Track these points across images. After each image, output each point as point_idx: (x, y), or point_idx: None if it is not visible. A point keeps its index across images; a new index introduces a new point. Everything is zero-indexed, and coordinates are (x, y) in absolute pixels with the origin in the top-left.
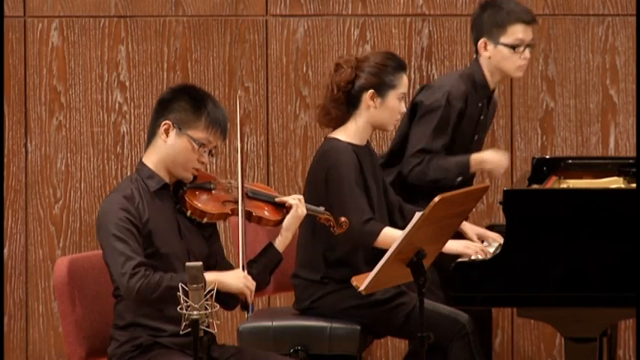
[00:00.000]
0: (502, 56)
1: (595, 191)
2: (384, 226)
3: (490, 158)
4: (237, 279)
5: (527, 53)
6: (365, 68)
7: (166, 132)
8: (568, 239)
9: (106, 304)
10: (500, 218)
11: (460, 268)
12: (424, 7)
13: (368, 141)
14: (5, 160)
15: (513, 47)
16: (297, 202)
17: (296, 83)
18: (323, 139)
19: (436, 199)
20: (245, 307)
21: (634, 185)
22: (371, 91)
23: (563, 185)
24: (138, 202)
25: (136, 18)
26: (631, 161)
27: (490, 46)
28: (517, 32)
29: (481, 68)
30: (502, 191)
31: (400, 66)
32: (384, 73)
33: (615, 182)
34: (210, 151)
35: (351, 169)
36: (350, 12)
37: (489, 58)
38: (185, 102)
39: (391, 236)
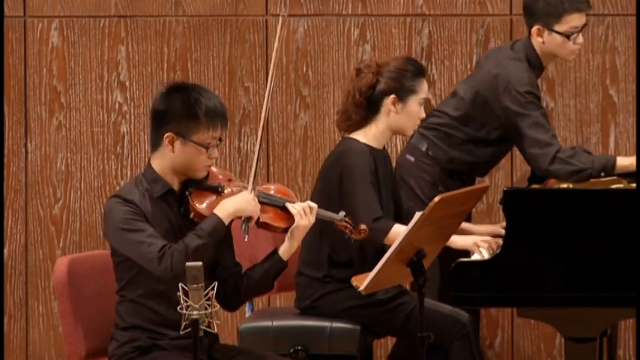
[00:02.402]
0: (556, 43)
1: (595, 191)
2: (394, 223)
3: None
4: (247, 202)
5: (580, 38)
6: (385, 73)
7: (171, 143)
8: (568, 239)
9: (106, 304)
10: (500, 218)
11: (460, 268)
12: (424, 7)
13: (384, 146)
14: (5, 160)
15: (568, 36)
16: (300, 211)
17: (296, 83)
18: (323, 138)
19: (436, 199)
20: (246, 227)
21: (634, 185)
22: (392, 96)
23: (563, 185)
24: (140, 203)
25: (136, 18)
26: None
27: (544, 33)
28: (572, 21)
29: (534, 50)
30: (502, 191)
31: (419, 71)
32: (404, 77)
33: (615, 182)
34: (218, 142)
35: (367, 170)
36: (350, 12)
37: (543, 43)
38: (179, 109)
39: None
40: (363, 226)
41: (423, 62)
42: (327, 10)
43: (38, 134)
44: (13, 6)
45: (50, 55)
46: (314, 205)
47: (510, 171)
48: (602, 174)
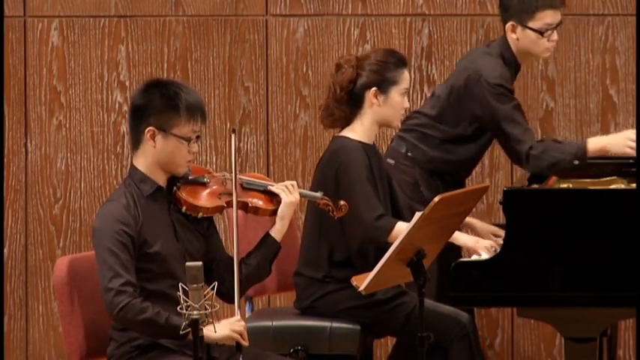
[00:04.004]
0: (530, 40)
1: (595, 191)
2: (397, 221)
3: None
4: (220, 329)
5: (554, 36)
6: (366, 66)
7: (152, 138)
8: (568, 239)
9: None
10: (500, 218)
11: (460, 268)
12: (424, 7)
13: (374, 142)
14: (5, 160)
15: (541, 32)
16: (284, 189)
17: (296, 83)
18: (323, 138)
19: (436, 199)
20: (239, 348)
21: (634, 185)
22: (374, 88)
23: (563, 185)
24: (133, 208)
25: (136, 18)
26: (631, 161)
27: (518, 29)
28: (545, 18)
29: (509, 47)
30: (502, 191)
31: (401, 62)
32: (385, 69)
33: (615, 182)
34: (197, 137)
35: (362, 166)
36: (350, 12)
37: (517, 40)
38: (159, 103)
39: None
40: (342, 202)
41: (423, 62)
42: (327, 10)
43: (38, 134)
44: (13, 6)
45: (50, 55)
46: (294, 182)
47: (510, 171)
48: (576, 161)
